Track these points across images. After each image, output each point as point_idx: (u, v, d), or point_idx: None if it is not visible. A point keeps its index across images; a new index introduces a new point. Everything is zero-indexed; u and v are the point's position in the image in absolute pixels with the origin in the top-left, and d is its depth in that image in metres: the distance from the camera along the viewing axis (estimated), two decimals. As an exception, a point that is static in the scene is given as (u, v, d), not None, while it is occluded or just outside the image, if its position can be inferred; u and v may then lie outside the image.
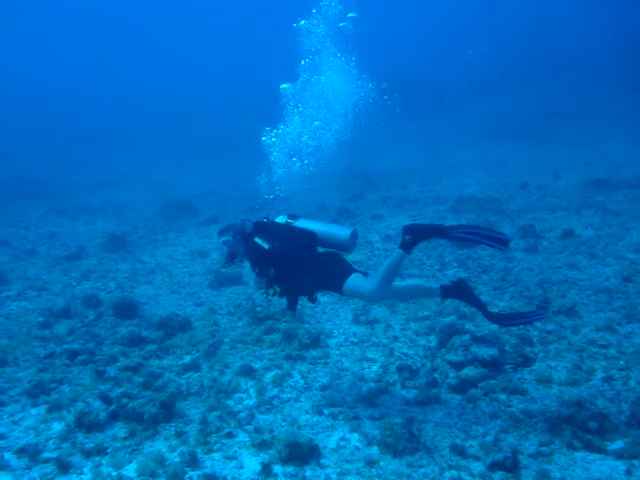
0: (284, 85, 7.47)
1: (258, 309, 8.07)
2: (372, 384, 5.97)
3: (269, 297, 5.74)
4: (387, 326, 7.45)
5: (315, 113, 7.31)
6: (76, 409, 5.59)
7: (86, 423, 5.42)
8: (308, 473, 4.57)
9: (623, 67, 29.00)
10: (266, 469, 4.61)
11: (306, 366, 6.50)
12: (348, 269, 5.50)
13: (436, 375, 6.01)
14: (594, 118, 25.05)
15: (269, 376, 6.26)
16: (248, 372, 6.37)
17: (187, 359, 6.82)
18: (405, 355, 6.59)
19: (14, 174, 25.02)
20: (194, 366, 6.66)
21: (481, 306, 5.22)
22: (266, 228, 5.75)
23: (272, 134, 7.23)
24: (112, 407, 5.62)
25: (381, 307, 8.05)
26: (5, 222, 17.07)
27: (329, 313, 8.12)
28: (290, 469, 4.62)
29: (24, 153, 30.24)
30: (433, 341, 6.85)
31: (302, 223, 5.78)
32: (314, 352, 6.84)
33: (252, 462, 4.76)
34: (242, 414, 5.52)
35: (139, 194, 20.41)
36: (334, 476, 4.49)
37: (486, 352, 6.16)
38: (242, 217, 5.97)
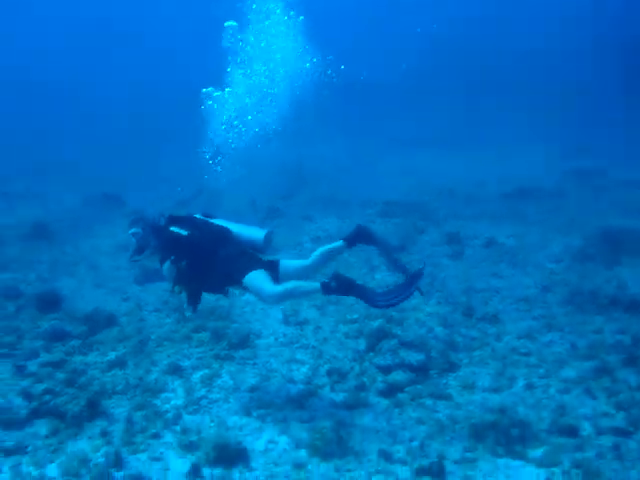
0: (229, 23, 6.94)
1: (186, 306, 7.97)
2: (301, 386, 6.01)
3: (175, 294, 5.70)
4: (317, 328, 7.51)
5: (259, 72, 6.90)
6: (-6, 406, 5.40)
7: (5, 420, 5.23)
8: (236, 475, 4.56)
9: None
10: (194, 471, 4.57)
11: (235, 366, 6.47)
12: (256, 262, 5.47)
13: (364, 379, 6.09)
14: (520, 124, 25.85)
15: (197, 376, 6.21)
16: (175, 371, 6.30)
17: (112, 356, 6.66)
18: (334, 357, 6.65)
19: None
20: (120, 363, 6.51)
21: (365, 293, 5.09)
22: (181, 220, 5.70)
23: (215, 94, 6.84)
24: (33, 404, 5.45)
25: (311, 308, 8.10)
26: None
27: (259, 313, 8.11)
28: (218, 471, 4.59)
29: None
30: (362, 344, 6.94)
31: (218, 221, 5.79)
32: (243, 352, 6.82)
33: (179, 463, 4.71)
34: (169, 414, 5.45)
35: (63, 183, 19.70)
36: (262, 479, 4.50)
37: (414, 357, 6.31)
38: (154, 211, 5.92)
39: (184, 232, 5.52)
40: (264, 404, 5.62)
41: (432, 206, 14.14)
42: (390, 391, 5.82)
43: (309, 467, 4.66)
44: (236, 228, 5.70)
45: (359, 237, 5.60)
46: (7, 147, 25.89)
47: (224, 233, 5.63)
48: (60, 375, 6.15)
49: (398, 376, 6.01)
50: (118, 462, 4.63)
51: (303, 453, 4.85)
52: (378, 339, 6.80)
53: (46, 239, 12.29)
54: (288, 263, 5.63)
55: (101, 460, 4.67)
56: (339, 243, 5.63)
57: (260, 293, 5.24)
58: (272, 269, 5.49)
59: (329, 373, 6.20)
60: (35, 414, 5.37)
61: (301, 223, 13.08)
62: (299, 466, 4.67)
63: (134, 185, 18.54)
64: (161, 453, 4.86)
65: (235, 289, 5.73)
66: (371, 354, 6.62)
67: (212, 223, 5.72)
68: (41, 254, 11.22)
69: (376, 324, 7.22)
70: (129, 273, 9.96)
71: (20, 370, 6.25)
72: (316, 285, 5.10)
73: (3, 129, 30.00)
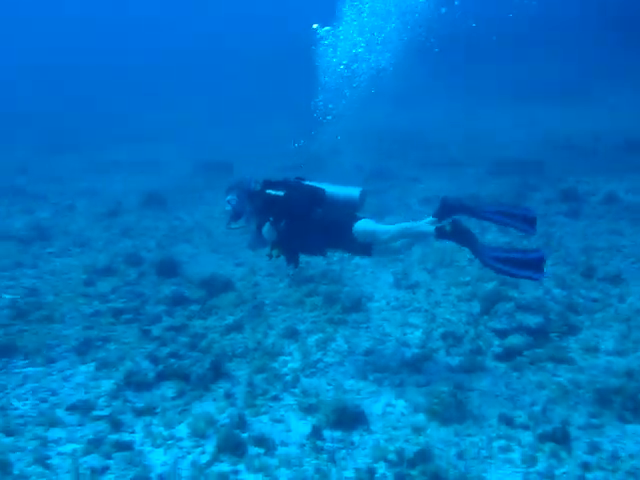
0: None
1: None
2: (416, 350, 5.98)
3: (273, 258, 5.76)
4: (428, 291, 7.43)
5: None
6: (125, 368, 5.71)
7: (135, 382, 5.53)
8: (356, 438, 4.61)
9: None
10: (315, 433, 4.66)
11: (349, 330, 6.51)
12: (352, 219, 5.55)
13: (480, 342, 5.98)
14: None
15: (312, 339, 6.30)
16: (291, 335, 6.42)
17: (230, 320, 6.88)
18: (448, 321, 6.57)
19: (51, 128, 25.19)
20: (237, 327, 6.71)
21: (474, 243, 5.05)
22: (276, 184, 5.78)
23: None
24: (160, 367, 5.72)
25: (422, 272, 8.02)
26: (44, 177, 17.26)
27: (369, 276, 8.11)
28: (338, 434, 4.67)
29: (60, 106, 30.24)
30: (476, 307, 6.81)
31: (312, 183, 5.83)
32: (356, 316, 6.85)
33: (300, 425, 4.82)
34: (288, 377, 5.57)
35: (174, 151, 20.36)
36: (382, 442, 4.53)
37: (531, 320, 6.13)
38: (249, 177, 6.02)
39: (281, 193, 5.62)
40: (379, 368, 5.64)
41: (545, 162, 13.54)
42: (507, 355, 5.69)
43: (428, 431, 4.65)
44: (330, 188, 5.71)
45: (448, 210, 5.29)
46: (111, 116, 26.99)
47: (319, 193, 5.67)
48: (182, 339, 6.44)
49: (515, 339, 5.86)
50: (242, 424, 4.79)
51: (421, 417, 4.84)
52: (492, 302, 6.65)
53: (161, 206, 12.80)
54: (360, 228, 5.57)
55: (226, 421, 4.85)
56: (431, 225, 5.27)
57: (375, 234, 5.42)
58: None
59: (444, 337, 6.13)
60: (162, 376, 5.63)
61: (409, 185, 12.91)
62: (418, 430, 4.66)
63: (239, 152, 18.84)
64: (282, 415, 4.99)
65: (333, 251, 5.88)
66: (486, 317, 6.48)
67: (306, 184, 5.79)
68: (158, 221, 11.68)
69: (490, 286, 7.07)
70: (242, 238, 10.17)
71: (145, 334, 6.58)
72: (430, 228, 5.13)
73: (100, 98, 31.26)
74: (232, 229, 6.24)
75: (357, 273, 8.23)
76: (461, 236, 5.03)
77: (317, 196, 5.66)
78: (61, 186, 16.03)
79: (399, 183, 13.16)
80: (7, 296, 7.80)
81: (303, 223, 5.60)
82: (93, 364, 6.03)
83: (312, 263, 8.38)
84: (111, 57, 42.83)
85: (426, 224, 5.27)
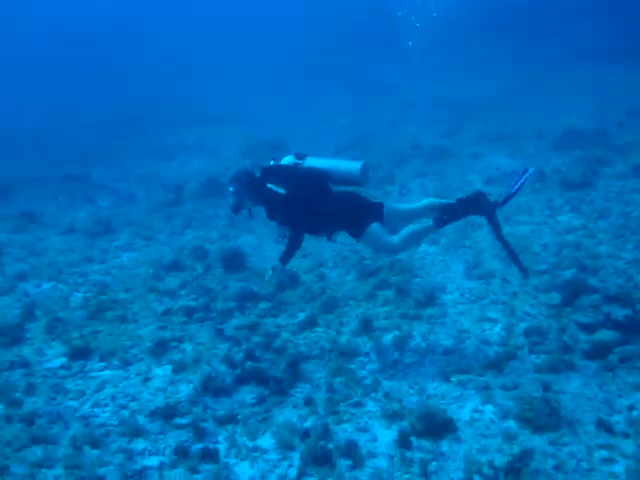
0: None
1: (366, 262, 7.96)
2: (497, 348, 5.77)
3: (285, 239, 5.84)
4: (504, 281, 7.18)
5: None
6: (202, 372, 5.68)
7: (213, 387, 5.48)
8: (445, 449, 4.46)
9: None
10: (402, 442, 4.53)
11: (425, 326, 6.34)
12: (366, 214, 5.54)
13: (565, 338, 5.73)
14: None
15: (388, 337, 6.14)
16: (366, 332, 6.29)
17: (301, 316, 6.77)
18: (528, 315, 6.32)
19: (110, 111, 25.34)
20: (309, 324, 6.61)
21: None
22: (275, 172, 5.74)
23: None
24: (237, 371, 5.66)
25: (494, 259, 7.75)
26: (103, 163, 17.44)
27: (438, 265, 7.90)
28: (426, 443, 4.53)
29: (120, 89, 30.38)
30: (555, 298, 6.53)
31: (310, 162, 5.75)
32: (430, 310, 6.67)
33: (386, 434, 4.70)
34: (367, 380, 5.45)
35: (232, 131, 20.09)
36: (474, 453, 4.36)
37: (619, 312, 5.82)
38: (247, 163, 6.07)
39: (281, 190, 5.56)
40: (462, 369, 5.45)
41: (615, 132, 12.91)
42: (597, 352, 5.42)
43: (521, 439, 4.46)
44: (330, 165, 5.66)
45: (472, 204, 5.45)
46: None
47: (321, 180, 5.65)
48: (256, 338, 6.37)
49: (604, 335, 5.59)
50: (326, 434, 4.69)
51: (512, 424, 4.66)
52: (573, 292, 6.36)
53: (220, 193, 12.72)
54: (392, 207, 5.71)
55: (310, 431, 4.75)
56: (451, 202, 5.51)
57: (378, 247, 5.70)
58: (378, 214, 5.57)
59: (526, 333, 5.89)
60: (240, 381, 5.58)
61: (469, 161, 12.54)
62: (510, 438, 4.48)
63: (298, 128, 18.59)
64: (366, 423, 4.87)
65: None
66: (568, 309, 6.21)
67: (305, 168, 5.70)
68: (218, 209, 11.62)
69: (568, 274, 6.77)
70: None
71: (218, 334, 6.54)
72: (429, 223, 5.39)
73: (163, 82, 31.30)
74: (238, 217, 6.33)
75: (426, 262, 8.02)
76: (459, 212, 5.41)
77: (320, 187, 5.66)
78: (121, 172, 16.18)
79: (458, 161, 12.79)
80: (79, 294, 7.88)
81: (310, 213, 5.60)
82: (169, 367, 6.02)
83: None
84: (172, 41, 42.59)
85: (422, 224, 5.52)
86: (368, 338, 6.19)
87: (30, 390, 5.76)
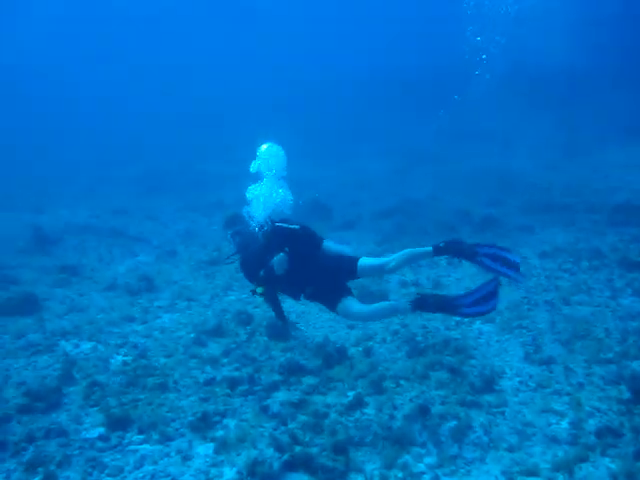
0: None
1: (418, 339, 7.60)
2: (567, 447, 5.32)
3: (256, 295, 5.93)
4: (567, 369, 6.73)
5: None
6: (248, 456, 5.33)
7: (259, 473, 5.13)
8: None
9: None
10: None
11: (484, 416, 5.91)
12: (344, 289, 5.86)
13: (641, 441, 5.27)
14: None
15: (446, 427, 5.73)
16: (422, 419, 5.88)
17: (351, 396, 6.40)
18: (597, 410, 5.87)
19: (147, 167, 25.73)
20: (359, 405, 6.24)
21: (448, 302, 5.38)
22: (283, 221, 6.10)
23: None
24: (285, 456, 5.30)
25: (554, 343, 7.33)
26: (143, 216, 17.49)
27: (495, 347, 7.49)
28: None
29: (155, 145, 30.95)
30: (625, 392, 6.09)
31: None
32: (489, 397, 6.25)
33: None
34: (425, 476, 5.05)
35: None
36: None
37: (698, 415, 5.37)
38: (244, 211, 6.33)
39: (296, 226, 5.91)
40: (529, 470, 5.02)
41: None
42: (677, 460, 4.96)
43: None
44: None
45: (449, 249, 5.61)
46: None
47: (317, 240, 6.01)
48: (302, 417, 6.02)
49: (684, 439, 5.13)
50: (385, 539, 4.29)
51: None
52: (644, 386, 5.92)
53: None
54: (366, 261, 5.84)
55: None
56: (427, 249, 5.70)
57: (348, 316, 5.87)
58: (352, 272, 5.82)
59: (598, 433, 5.43)
60: (288, 467, 5.22)
61: (520, 235, 12.18)
62: None
63: (328, 196, 18.51)
64: (427, 528, 4.46)
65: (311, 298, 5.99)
66: (640, 406, 5.76)
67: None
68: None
69: (636, 365, 6.36)
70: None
71: (263, 411, 6.20)
72: (406, 306, 5.43)
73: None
74: (228, 264, 6.61)
75: (481, 342, 7.62)
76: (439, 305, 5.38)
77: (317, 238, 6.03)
78: (160, 227, 16.16)
79: (509, 233, 12.44)
80: (119, 357, 7.63)
81: (307, 261, 5.83)
82: (212, 445, 5.69)
83: (431, 330, 7.87)
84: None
85: (397, 303, 5.70)
86: (423, 426, 5.78)
87: (65, 463, 5.47)
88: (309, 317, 8.87)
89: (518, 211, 14.24)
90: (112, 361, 7.54)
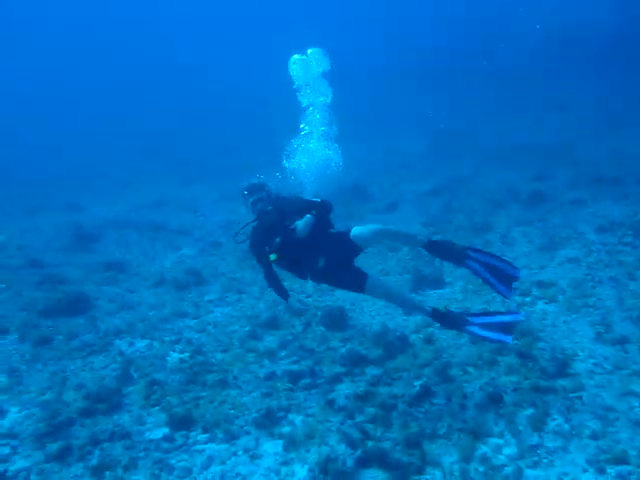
0: None
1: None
2: (656, 431, 5.04)
3: (270, 259, 5.79)
4: (643, 348, 6.42)
5: None
6: (320, 453, 5.16)
7: (332, 471, 4.95)
8: None
9: None
10: None
11: (561, 402, 5.63)
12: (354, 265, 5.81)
13: None
14: None
15: (522, 415, 5.48)
16: (494, 408, 5.64)
17: (417, 386, 6.16)
18: (682, 390, 5.56)
19: (180, 158, 25.72)
20: (428, 395, 6.01)
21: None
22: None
23: None
24: (358, 452, 5.12)
25: (626, 322, 7.00)
26: (181, 207, 17.41)
27: (562, 327, 7.18)
28: None
29: (186, 136, 30.92)
30: None
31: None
32: (563, 382, 5.95)
33: (544, 542, 4.05)
34: (507, 469, 4.81)
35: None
36: None
37: None
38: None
39: (318, 199, 6.10)
40: (618, 458, 4.75)
41: None
42: None
43: None
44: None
45: (440, 249, 5.72)
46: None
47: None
48: (370, 409, 5.81)
49: None
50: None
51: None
52: None
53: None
54: (357, 230, 5.75)
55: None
56: (421, 240, 5.79)
57: (375, 293, 5.65)
58: (354, 245, 5.72)
59: (688, 415, 5.14)
60: (361, 463, 5.04)
61: (573, 209, 11.75)
62: None
63: (370, 177, 18.17)
64: (517, 525, 4.23)
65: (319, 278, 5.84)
66: None
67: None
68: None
69: None
70: (400, 279, 9.53)
71: (329, 405, 6.01)
72: (427, 311, 5.47)
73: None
74: (239, 243, 6.54)
75: (547, 323, 7.32)
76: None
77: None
78: (200, 218, 16.05)
79: (561, 207, 12.02)
80: (175, 354, 7.52)
81: (323, 234, 5.84)
82: (280, 442, 5.54)
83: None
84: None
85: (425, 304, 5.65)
86: (498, 415, 5.54)
87: (132, 466, 5.37)
88: (362, 304, 8.65)
89: (565, 185, 13.76)
90: (169, 358, 7.43)
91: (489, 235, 10.95)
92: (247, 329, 8.06)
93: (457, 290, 8.72)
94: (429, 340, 7.21)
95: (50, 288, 10.16)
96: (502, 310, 5.71)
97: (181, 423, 5.96)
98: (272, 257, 5.75)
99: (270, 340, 7.73)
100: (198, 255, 12.40)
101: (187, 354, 7.48)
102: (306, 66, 6.67)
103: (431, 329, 7.50)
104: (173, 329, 8.37)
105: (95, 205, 18.94)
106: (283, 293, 6.13)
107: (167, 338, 8.04)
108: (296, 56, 6.76)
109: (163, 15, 52.20)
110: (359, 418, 5.71)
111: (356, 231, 5.71)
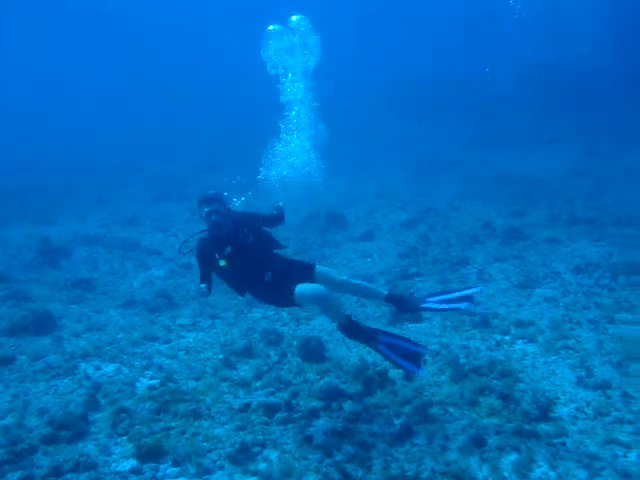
0: None
1: (461, 361, 7.20)
2: (640, 484, 4.94)
3: (220, 265, 5.98)
4: (625, 395, 6.33)
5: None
6: (298, 494, 4.94)
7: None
8: None
9: None
10: None
11: (545, 447, 5.50)
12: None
13: None
14: None
15: (507, 461, 5.34)
16: (478, 452, 5.48)
17: (397, 425, 5.99)
18: (666, 442, 5.49)
19: (157, 174, 25.33)
20: (408, 435, 5.84)
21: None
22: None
23: None
24: (338, 495, 4.91)
25: (606, 366, 6.95)
26: (154, 226, 17.04)
27: (542, 369, 7.09)
28: None
29: (169, 151, 30.46)
30: (692, 418, 5.70)
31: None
32: (546, 427, 5.84)
33: None
34: (494, 518, 4.65)
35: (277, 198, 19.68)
36: None
37: None
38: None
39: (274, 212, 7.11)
40: (606, 510, 4.63)
41: None
42: None
43: None
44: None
45: (400, 304, 6.06)
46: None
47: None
48: (348, 448, 5.61)
49: None
50: None
51: None
52: None
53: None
54: (322, 268, 6.22)
55: None
56: (381, 293, 6.13)
57: (303, 298, 5.82)
58: (309, 270, 6.15)
59: (673, 468, 5.06)
60: (341, 506, 4.82)
61: (549, 247, 11.78)
62: None
63: (346, 205, 18.11)
64: None
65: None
66: None
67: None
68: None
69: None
70: (378, 311, 9.38)
71: (307, 441, 5.79)
72: (341, 320, 5.79)
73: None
74: (184, 254, 6.57)
75: (526, 363, 7.22)
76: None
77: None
78: (170, 238, 15.72)
79: (535, 245, 12.05)
80: (145, 380, 7.23)
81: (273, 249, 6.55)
82: (254, 479, 5.28)
83: (472, 350, 7.48)
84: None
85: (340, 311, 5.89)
86: (482, 459, 5.39)
87: (99, 501, 5.06)
88: (341, 336, 8.44)
89: (541, 222, 13.80)
90: (138, 385, 7.14)
91: (465, 270, 10.90)
92: (221, 357, 7.81)
93: (435, 325, 8.59)
94: (409, 376, 7.04)
95: (15, 304, 9.77)
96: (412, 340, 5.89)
97: (150, 455, 5.67)
98: (221, 263, 5.96)
99: (244, 369, 7.49)
100: (168, 276, 12.08)
101: (157, 381, 7.19)
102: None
103: (410, 365, 7.33)
104: (143, 354, 8.07)
105: (66, 220, 18.39)
106: (209, 290, 6.16)
107: (137, 363, 7.75)
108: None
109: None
110: (338, 457, 5.50)
111: (321, 268, 6.27)
